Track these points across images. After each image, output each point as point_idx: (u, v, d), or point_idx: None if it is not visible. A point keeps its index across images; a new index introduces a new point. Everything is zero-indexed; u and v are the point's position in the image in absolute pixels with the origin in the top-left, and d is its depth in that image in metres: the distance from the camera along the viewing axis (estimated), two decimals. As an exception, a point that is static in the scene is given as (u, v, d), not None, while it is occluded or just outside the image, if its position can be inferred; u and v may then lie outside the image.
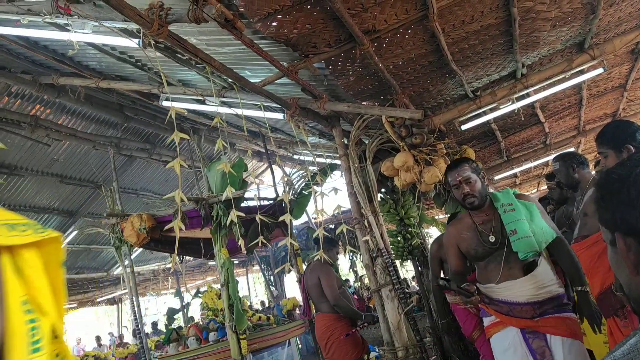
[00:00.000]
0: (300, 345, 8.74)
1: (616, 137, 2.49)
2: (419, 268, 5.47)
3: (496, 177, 9.27)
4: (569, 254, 2.78)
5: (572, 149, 7.82)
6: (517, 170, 9.14)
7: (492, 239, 2.72)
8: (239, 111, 3.86)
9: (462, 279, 2.78)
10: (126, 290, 7.89)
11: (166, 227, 2.81)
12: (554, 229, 2.82)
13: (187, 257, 9.38)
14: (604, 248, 2.95)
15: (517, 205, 2.78)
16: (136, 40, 2.99)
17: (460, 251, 2.85)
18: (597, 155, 2.75)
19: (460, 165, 2.80)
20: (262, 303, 13.84)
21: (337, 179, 5.86)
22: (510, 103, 5.10)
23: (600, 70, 4.78)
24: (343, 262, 12.61)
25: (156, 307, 16.30)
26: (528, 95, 5.06)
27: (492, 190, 2.74)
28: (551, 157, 7.92)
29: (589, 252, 3.06)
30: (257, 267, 13.93)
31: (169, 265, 11.81)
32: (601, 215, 0.88)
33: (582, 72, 4.74)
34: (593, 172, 3.53)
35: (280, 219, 3.69)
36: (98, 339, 12.60)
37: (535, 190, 13.54)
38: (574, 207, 3.62)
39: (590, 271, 2.90)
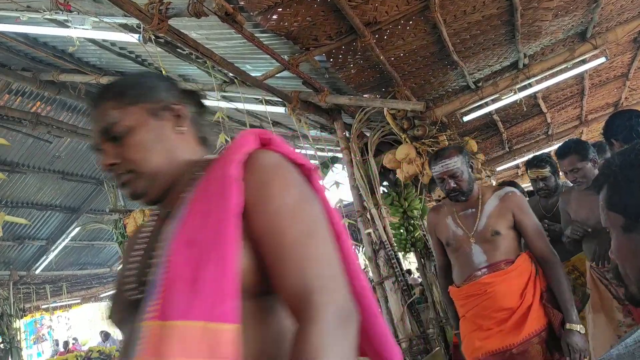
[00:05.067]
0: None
1: (617, 128, 2.51)
2: (422, 260, 5.47)
3: (498, 169, 9.25)
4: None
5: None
6: (519, 161, 9.12)
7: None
8: (240, 105, 3.85)
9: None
10: (130, 286, 7.90)
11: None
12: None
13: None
14: None
15: None
16: (136, 36, 2.99)
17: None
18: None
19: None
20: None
21: (338, 173, 5.85)
22: (512, 94, 5.07)
23: (602, 60, 4.75)
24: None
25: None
26: (530, 85, 5.03)
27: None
28: (553, 148, 7.90)
29: None
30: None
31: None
32: (619, 200, 0.87)
33: (584, 62, 4.71)
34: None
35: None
36: (106, 335, 12.62)
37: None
38: None
39: None
